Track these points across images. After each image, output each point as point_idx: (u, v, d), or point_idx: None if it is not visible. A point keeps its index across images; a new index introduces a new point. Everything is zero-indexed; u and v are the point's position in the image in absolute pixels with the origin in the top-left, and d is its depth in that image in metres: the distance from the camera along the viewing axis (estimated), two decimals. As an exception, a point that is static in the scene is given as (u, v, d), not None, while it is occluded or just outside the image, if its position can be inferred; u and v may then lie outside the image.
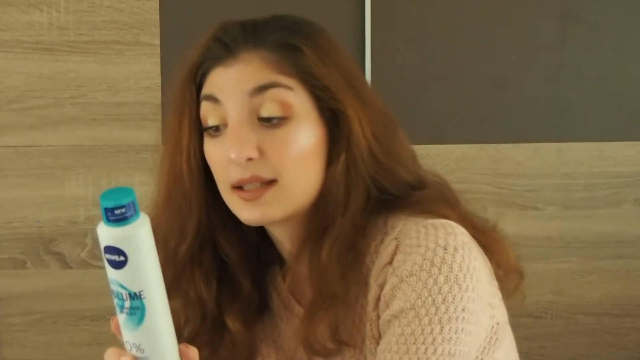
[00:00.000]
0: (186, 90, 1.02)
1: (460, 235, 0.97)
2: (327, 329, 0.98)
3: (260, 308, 1.11)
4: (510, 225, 2.26)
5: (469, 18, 2.25)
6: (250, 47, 0.99)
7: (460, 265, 0.94)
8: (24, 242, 2.23)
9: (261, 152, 0.97)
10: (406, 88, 2.24)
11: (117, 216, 0.82)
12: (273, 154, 0.97)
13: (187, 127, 1.02)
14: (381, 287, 0.98)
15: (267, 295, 1.11)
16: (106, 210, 0.82)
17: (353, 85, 1.02)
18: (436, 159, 2.25)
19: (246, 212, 1.00)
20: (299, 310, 1.07)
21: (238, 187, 0.99)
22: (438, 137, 2.27)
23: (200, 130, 1.02)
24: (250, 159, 0.97)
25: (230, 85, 0.98)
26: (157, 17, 2.20)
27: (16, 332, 2.26)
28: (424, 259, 0.94)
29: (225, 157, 0.99)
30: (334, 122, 1.00)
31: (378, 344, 0.98)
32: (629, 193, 2.31)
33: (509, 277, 1.05)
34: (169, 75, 2.27)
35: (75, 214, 2.23)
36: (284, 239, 1.06)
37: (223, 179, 1.00)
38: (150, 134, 2.20)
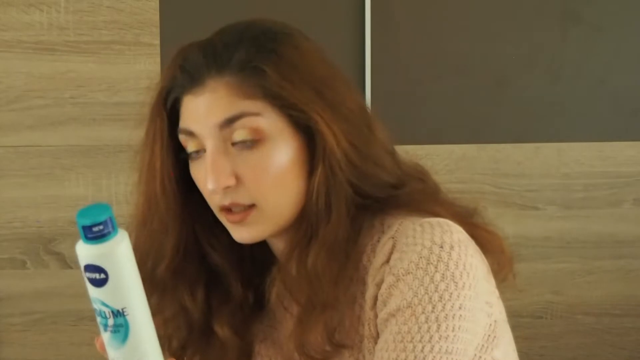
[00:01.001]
0: (156, 118, 1.05)
1: (456, 233, 0.97)
2: (321, 334, 0.98)
3: (255, 310, 1.11)
4: (510, 225, 2.26)
5: (469, 18, 2.25)
6: (214, 74, 0.99)
7: (457, 262, 0.95)
8: (24, 242, 2.24)
9: (238, 178, 0.99)
10: (406, 88, 2.24)
11: (95, 234, 0.82)
12: (249, 180, 0.99)
13: (159, 152, 1.03)
14: (378, 286, 0.98)
15: (266, 296, 1.11)
16: (84, 228, 0.82)
17: (323, 94, 1.01)
18: (436, 159, 2.25)
19: (236, 233, 1.02)
20: (297, 310, 1.08)
21: (225, 209, 1.01)
22: (438, 137, 2.27)
23: (175, 153, 1.04)
24: (227, 187, 0.99)
25: (201, 116, 1.00)
26: (157, 17, 2.20)
27: (16, 332, 2.26)
28: (420, 257, 0.95)
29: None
30: (309, 134, 1.01)
31: (376, 343, 0.98)
32: (629, 193, 2.31)
33: (500, 263, 1.05)
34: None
35: (75, 214, 2.23)
36: (275, 244, 1.08)
37: (210, 201, 1.03)
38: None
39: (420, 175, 1.08)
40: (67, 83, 2.20)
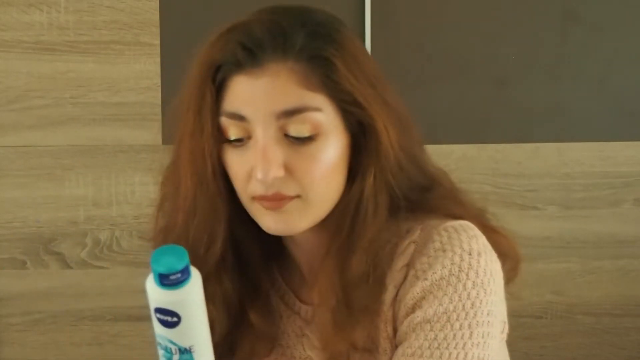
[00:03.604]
0: (206, 93, 0.97)
1: (480, 237, 0.98)
2: (352, 337, 0.98)
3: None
4: (510, 225, 2.24)
5: (469, 18, 2.25)
6: (279, 56, 0.93)
7: (485, 270, 0.96)
8: (24, 242, 2.23)
9: (287, 169, 0.95)
10: (406, 88, 2.24)
11: (172, 281, 0.80)
12: (299, 172, 0.95)
13: (210, 132, 0.97)
14: (397, 287, 0.98)
15: (271, 296, 1.11)
16: (160, 275, 0.80)
17: (379, 92, 0.99)
18: (436, 159, 2.24)
19: (270, 222, 0.97)
20: (299, 307, 1.08)
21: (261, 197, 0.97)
22: (438, 137, 2.27)
23: (219, 135, 0.98)
24: (275, 178, 0.95)
25: (257, 101, 0.94)
26: (157, 17, 2.20)
27: (16, 332, 2.26)
28: (452, 263, 0.95)
29: (247, 170, 0.96)
30: (360, 132, 0.98)
31: (391, 343, 0.98)
32: (629, 193, 2.31)
33: (510, 265, 1.06)
34: (169, 75, 2.28)
35: (75, 214, 2.23)
36: (304, 242, 1.05)
37: (244, 190, 0.98)
38: (150, 134, 2.20)
39: (443, 178, 1.08)
40: (67, 83, 2.20)
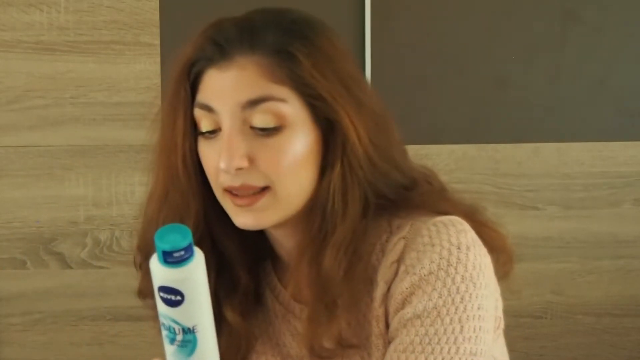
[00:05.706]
0: (180, 89, 1.01)
1: (469, 231, 0.98)
2: (332, 334, 0.98)
3: (255, 302, 1.10)
4: (510, 225, 2.24)
5: (469, 18, 2.26)
6: (246, 50, 0.97)
7: (474, 263, 0.96)
8: (24, 242, 2.24)
9: (252, 160, 0.97)
10: (406, 88, 2.25)
11: (176, 259, 0.81)
12: (264, 163, 0.97)
13: (182, 126, 1.01)
14: (388, 283, 0.98)
15: (261, 290, 1.11)
16: (164, 253, 0.81)
17: (351, 90, 1.00)
18: (436, 159, 2.25)
19: (240, 217, 0.99)
20: (294, 306, 1.08)
21: (230, 191, 0.99)
22: (438, 137, 2.27)
23: (195, 128, 1.02)
24: (240, 169, 0.97)
25: (224, 92, 0.97)
26: (157, 17, 2.20)
27: (16, 332, 2.26)
28: (441, 258, 0.95)
29: (216, 161, 0.98)
30: (328, 128, 0.99)
31: (384, 339, 0.99)
32: (629, 193, 2.31)
33: (501, 260, 1.06)
34: (169, 75, 2.28)
35: (75, 214, 2.23)
36: (283, 240, 1.06)
37: (215, 182, 1.00)
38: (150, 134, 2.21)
39: (427, 178, 1.08)
40: (67, 83, 2.20)
